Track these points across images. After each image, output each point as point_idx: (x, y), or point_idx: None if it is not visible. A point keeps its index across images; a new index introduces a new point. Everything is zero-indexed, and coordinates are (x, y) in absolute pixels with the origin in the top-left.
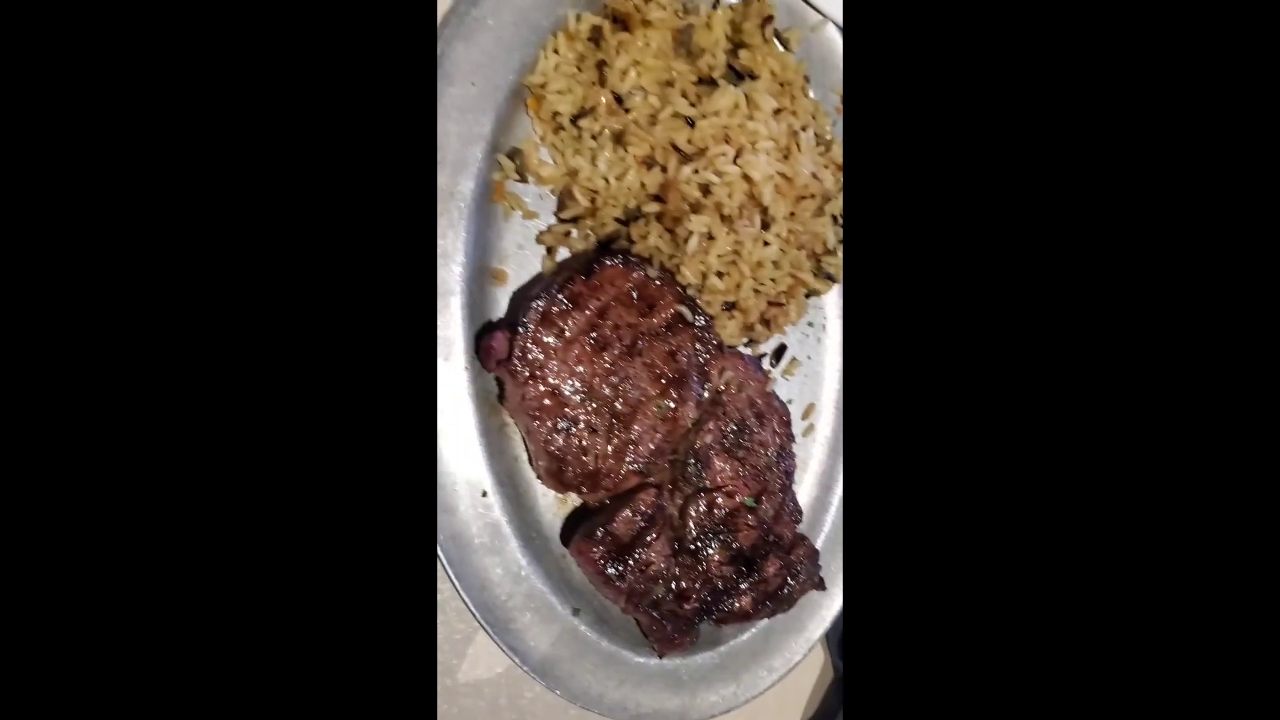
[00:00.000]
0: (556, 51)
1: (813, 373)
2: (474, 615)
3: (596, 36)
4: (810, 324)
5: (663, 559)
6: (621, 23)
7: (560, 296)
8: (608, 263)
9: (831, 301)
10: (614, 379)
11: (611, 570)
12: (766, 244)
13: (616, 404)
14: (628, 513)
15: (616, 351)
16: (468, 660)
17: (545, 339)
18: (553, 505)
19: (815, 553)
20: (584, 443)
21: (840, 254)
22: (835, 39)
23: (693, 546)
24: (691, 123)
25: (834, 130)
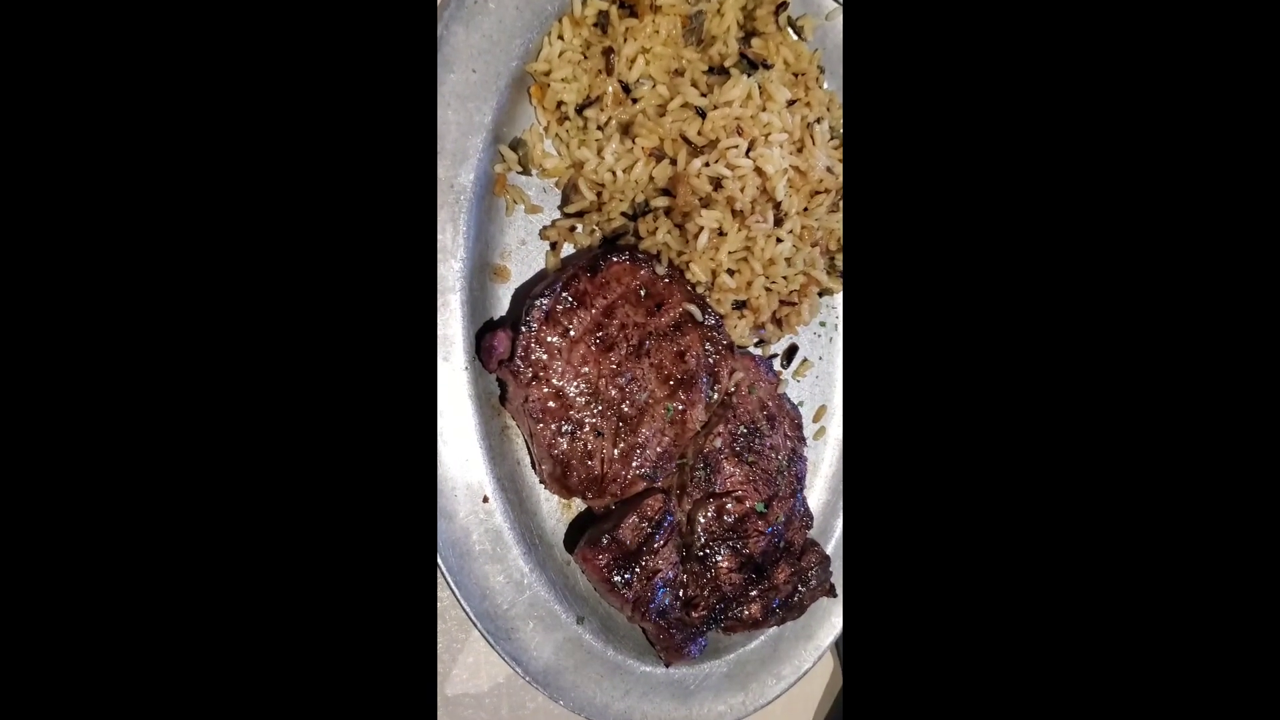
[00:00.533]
0: (561, 37)
1: (825, 374)
2: (474, 624)
3: (603, 22)
4: (822, 323)
5: (670, 566)
6: (629, 8)
7: (565, 294)
8: (614, 259)
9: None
10: (620, 380)
11: (617, 578)
12: (779, 240)
13: (623, 406)
14: (634, 519)
15: (623, 352)
16: (468, 670)
17: (549, 338)
18: (556, 511)
19: (826, 559)
20: (589, 446)
21: None
22: None
23: (701, 553)
24: (702, 113)
25: None
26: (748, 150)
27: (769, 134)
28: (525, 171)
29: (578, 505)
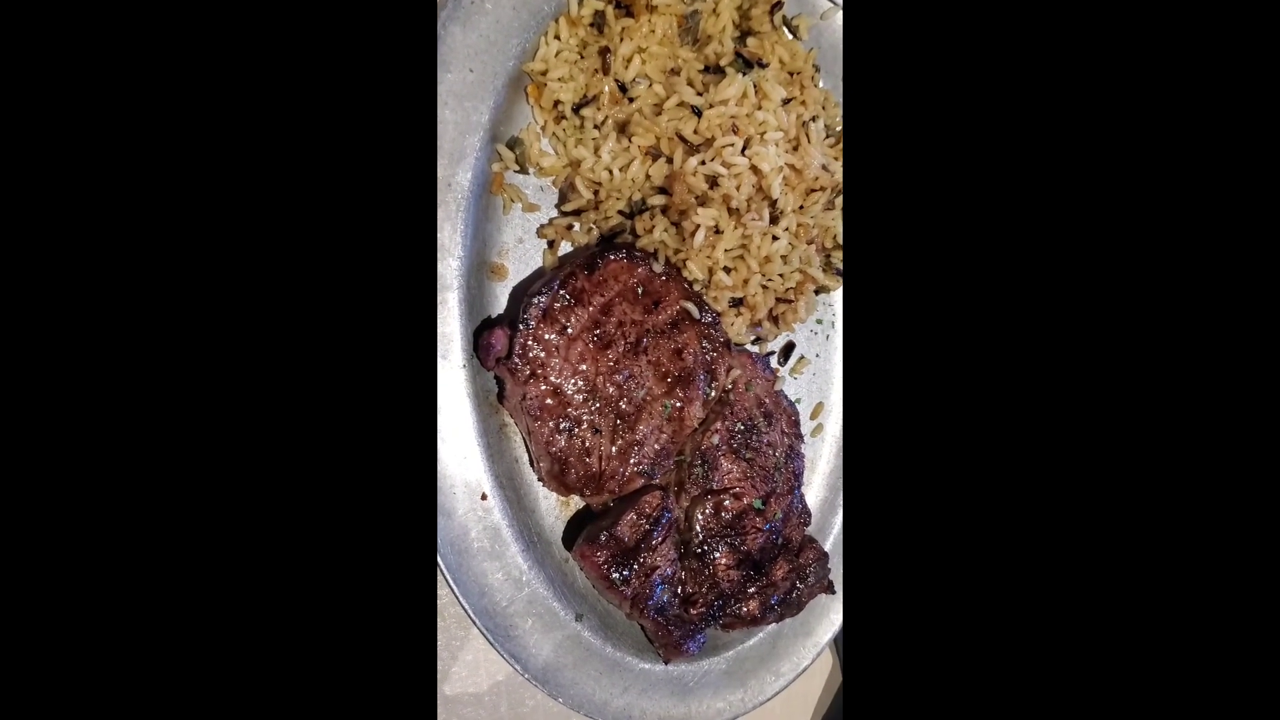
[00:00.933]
0: (558, 37)
1: (821, 371)
2: (473, 621)
3: (599, 22)
4: (819, 321)
5: (668, 563)
6: (625, 8)
7: (562, 292)
8: (611, 257)
9: (840, 298)
10: (618, 377)
11: (616, 575)
12: (775, 238)
13: (621, 403)
14: (632, 515)
15: (621, 349)
16: (467, 667)
17: (547, 336)
18: (555, 508)
19: (824, 555)
20: (587, 444)
21: None
22: None
23: (699, 550)
24: (698, 112)
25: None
26: (743, 148)
27: (764, 132)
28: (522, 170)
29: (576, 502)
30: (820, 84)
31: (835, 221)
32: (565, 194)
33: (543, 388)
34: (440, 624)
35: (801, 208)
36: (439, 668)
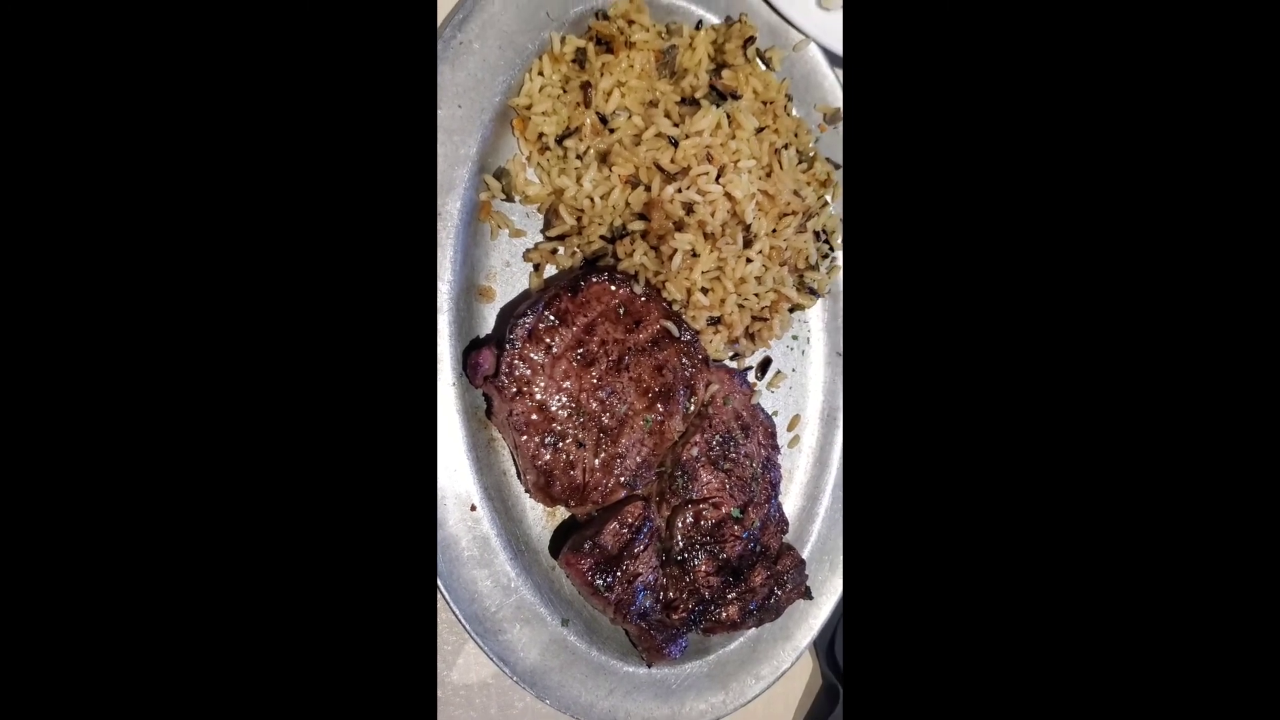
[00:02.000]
0: (541, 74)
1: (797, 385)
2: (463, 626)
3: (581, 58)
4: (795, 337)
5: (650, 570)
6: (605, 45)
7: (547, 313)
8: (594, 279)
9: (815, 315)
10: (601, 394)
11: (600, 581)
12: (749, 260)
13: (603, 418)
14: (615, 525)
15: (603, 366)
16: (457, 670)
17: (532, 355)
18: (541, 518)
19: (801, 562)
20: (571, 457)
21: (822, 269)
22: (817, 57)
23: (680, 557)
24: (675, 142)
25: (816, 147)
26: (718, 176)
27: (738, 160)
28: (509, 198)
29: (561, 513)
30: (793, 112)
31: (807, 244)
32: (550, 220)
33: (529, 404)
34: None
35: (775, 231)
36: None
